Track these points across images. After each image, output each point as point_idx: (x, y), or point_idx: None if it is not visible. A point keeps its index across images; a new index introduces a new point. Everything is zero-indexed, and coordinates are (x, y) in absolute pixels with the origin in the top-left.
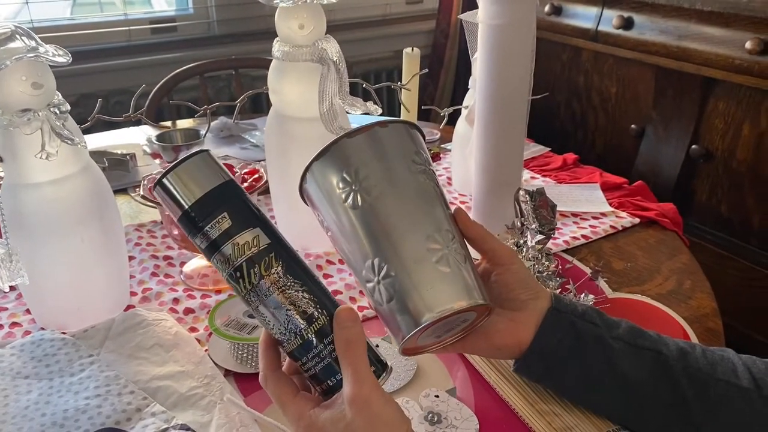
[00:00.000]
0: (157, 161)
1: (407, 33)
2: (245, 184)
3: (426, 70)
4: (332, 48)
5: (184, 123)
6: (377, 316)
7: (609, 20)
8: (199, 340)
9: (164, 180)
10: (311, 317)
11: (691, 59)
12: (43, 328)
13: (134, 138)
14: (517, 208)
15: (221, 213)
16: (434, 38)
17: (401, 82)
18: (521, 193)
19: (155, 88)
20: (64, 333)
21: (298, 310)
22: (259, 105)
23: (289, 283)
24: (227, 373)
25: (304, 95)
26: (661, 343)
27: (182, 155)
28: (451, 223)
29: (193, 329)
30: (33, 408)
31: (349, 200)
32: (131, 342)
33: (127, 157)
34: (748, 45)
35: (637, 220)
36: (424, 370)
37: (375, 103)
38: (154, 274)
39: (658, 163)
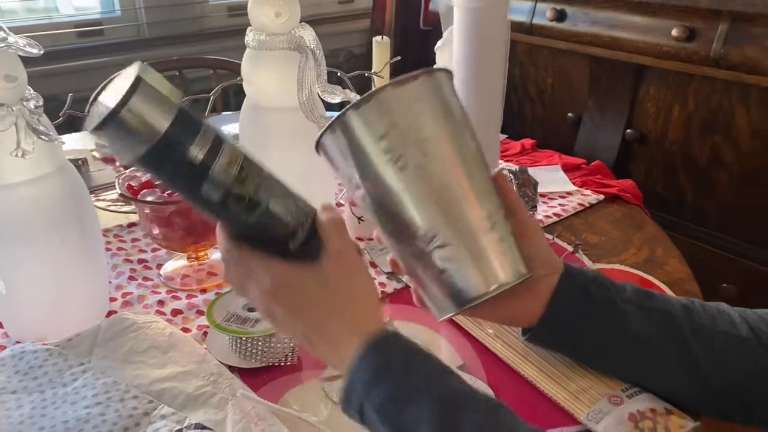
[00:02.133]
0: (110, 167)
1: (341, 32)
2: None
3: (399, 58)
4: (309, 36)
5: None
6: (410, 284)
7: (543, 13)
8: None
9: (122, 113)
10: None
11: (623, 48)
12: (18, 342)
13: (77, 144)
14: None
15: (202, 128)
16: (369, 37)
17: (373, 70)
18: (504, 173)
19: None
20: (45, 344)
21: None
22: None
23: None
24: (230, 369)
25: (281, 84)
26: (667, 302)
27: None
28: (494, 189)
29: (185, 330)
30: (28, 422)
31: (399, 161)
32: (123, 347)
33: (79, 162)
34: (674, 32)
35: (601, 197)
36: (430, 350)
37: (352, 91)
38: (131, 278)
39: (595, 148)
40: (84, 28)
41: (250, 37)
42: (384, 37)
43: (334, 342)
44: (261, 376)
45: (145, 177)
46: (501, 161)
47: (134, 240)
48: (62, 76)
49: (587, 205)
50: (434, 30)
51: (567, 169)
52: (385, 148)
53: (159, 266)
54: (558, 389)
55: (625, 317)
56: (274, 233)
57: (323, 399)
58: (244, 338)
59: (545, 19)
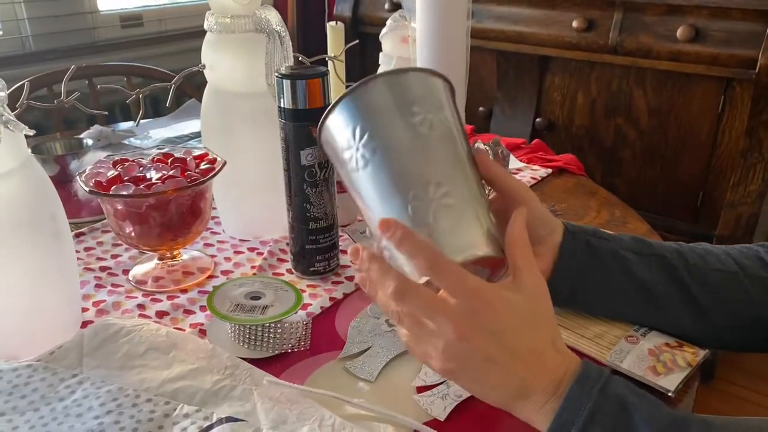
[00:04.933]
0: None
1: None
2: (202, 167)
3: (357, 41)
4: (274, 17)
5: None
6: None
7: None
8: None
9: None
10: None
11: (527, 41)
12: None
13: None
14: None
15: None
16: None
17: (329, 54)
18: (479, 145)
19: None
20: (21, 362)
21: None
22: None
23: None
24: None
25: (246, 69)
26: (661, 247)
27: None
28: (473, 166)
29: (177, 330)
30: None
31: (424, 124)
32: (116, 353)
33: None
34: (574, 24)
35: (549, 171)
36: None
37: None
38: (99, 286)
39: None
40: None
41: (211, 21)
42: (338, 22)
43: (539, 353)
44: (275, 365)
45: (111, 173)
46: None
47: (88, 249)
48: None
49: (539, 179)
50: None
51: (510, 149)
52: (414, 112)
53: (125, 272)
54: (576, 338)
55: (628, 264)
56: None
57: (350, 378)
58: (255, 327)
59: None
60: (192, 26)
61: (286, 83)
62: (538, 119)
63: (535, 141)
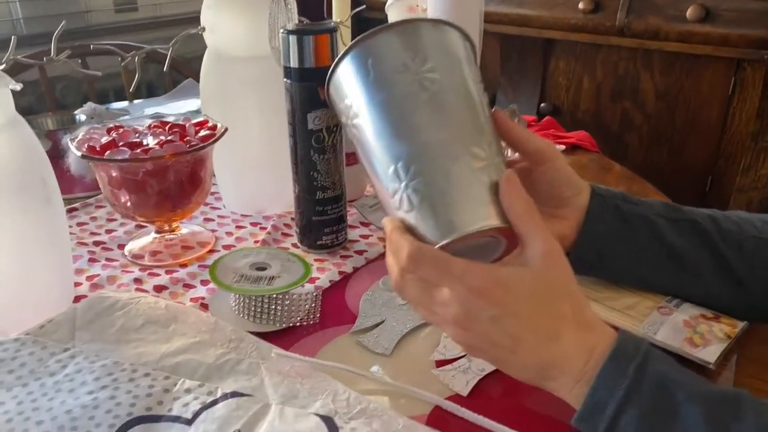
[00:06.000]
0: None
1: None
2: (202, 134)
3: (363, 7)
4: None
5: None
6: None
7: None
8: None
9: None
10: None
11: (531, 24)
12: None
13: None
14: None
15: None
16: None
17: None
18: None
19: None
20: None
21: None
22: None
23: None
24: None
25: (248, 31)
26: (693, 213)
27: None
28: (493, 131)
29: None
30: (18, 419)
31: (414, 86)
32: (111, 327)
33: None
34: (581, 5)
35: (563, 147)
36: None
37: None
38: (92, 260)
39: None
40: None
41: None
42: None
43: (552, 336)
44: (282, 339)
45: (105, 139)
46: None
47: (81, 224)
48: None
49: None
50: None
51: None
52: (427, 65)
53: (121, 246)
54: (606, 310)
55: (658, 229)
56: None
57: (363, 353)
58: (261, 298)
59: None
60: (188, 11)
61: (293, 39)
62: (542, 104)
63: (546, 118)
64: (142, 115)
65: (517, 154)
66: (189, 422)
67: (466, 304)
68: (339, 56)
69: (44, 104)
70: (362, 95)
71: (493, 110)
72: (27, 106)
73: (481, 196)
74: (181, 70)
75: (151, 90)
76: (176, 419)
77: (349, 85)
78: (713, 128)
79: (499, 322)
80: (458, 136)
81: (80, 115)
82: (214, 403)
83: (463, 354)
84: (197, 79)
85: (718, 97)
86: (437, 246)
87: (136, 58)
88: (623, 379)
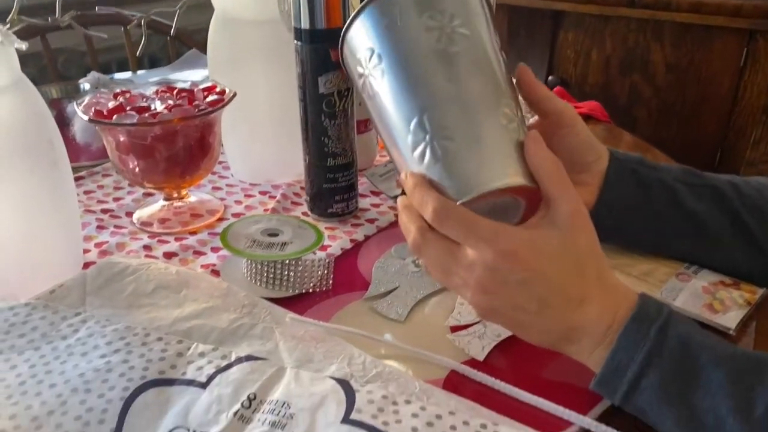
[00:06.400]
0: None
1: None
2: (210, 99)
3: None
4: None
5: None
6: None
7: None
8: None
9: None
10: None
11: None
12: None
13: None
14: None
15: None
16: None
17: None
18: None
19: None
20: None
21: None
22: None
23: None
24: None
25: None
26: (713, 178)
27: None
28: (510, 87)
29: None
30: (31, 382)
31: (444, 39)
32: (122, 292)
33: None
34: None
35: None
36: None
37: None
38: (101, 227)
39: None
40: None
41: None
42: None
43: (579, 299)
44: (295, 306)
45: (112, 103)
46: None
47: (88, 192)
48: None
49: None
50: None
51: None
52: (443, 23)
53: (129, 214)
54: (623, 277)
55: (677, 194)
56: None
57: (377, 318)
58: (274, 264)
59: None
60: None
61: (304, 0)
62: (550, 77)
63: (556, 88)
64: (148, 82)
65: (534, 118)
66: (203, 386)
67: (495, 266)
68: (352, 16)
69: (47, 77)
70: (387, 43)
71: (519, 65)
72: (29, 78)
73: (510, 152)
74: (186, 42)
75: (154, 62)
76: (190, 383)
77: (373, 31)
78: (724, 101)
79: (528, 286)
80: (488, 91)
81: (84, 84)
82: (229, 366)
83: (478, 320)
84: (202, 50)
85: (729, 69)
86: (461, 201)
87: (143, 21)
88: (644, 341)
